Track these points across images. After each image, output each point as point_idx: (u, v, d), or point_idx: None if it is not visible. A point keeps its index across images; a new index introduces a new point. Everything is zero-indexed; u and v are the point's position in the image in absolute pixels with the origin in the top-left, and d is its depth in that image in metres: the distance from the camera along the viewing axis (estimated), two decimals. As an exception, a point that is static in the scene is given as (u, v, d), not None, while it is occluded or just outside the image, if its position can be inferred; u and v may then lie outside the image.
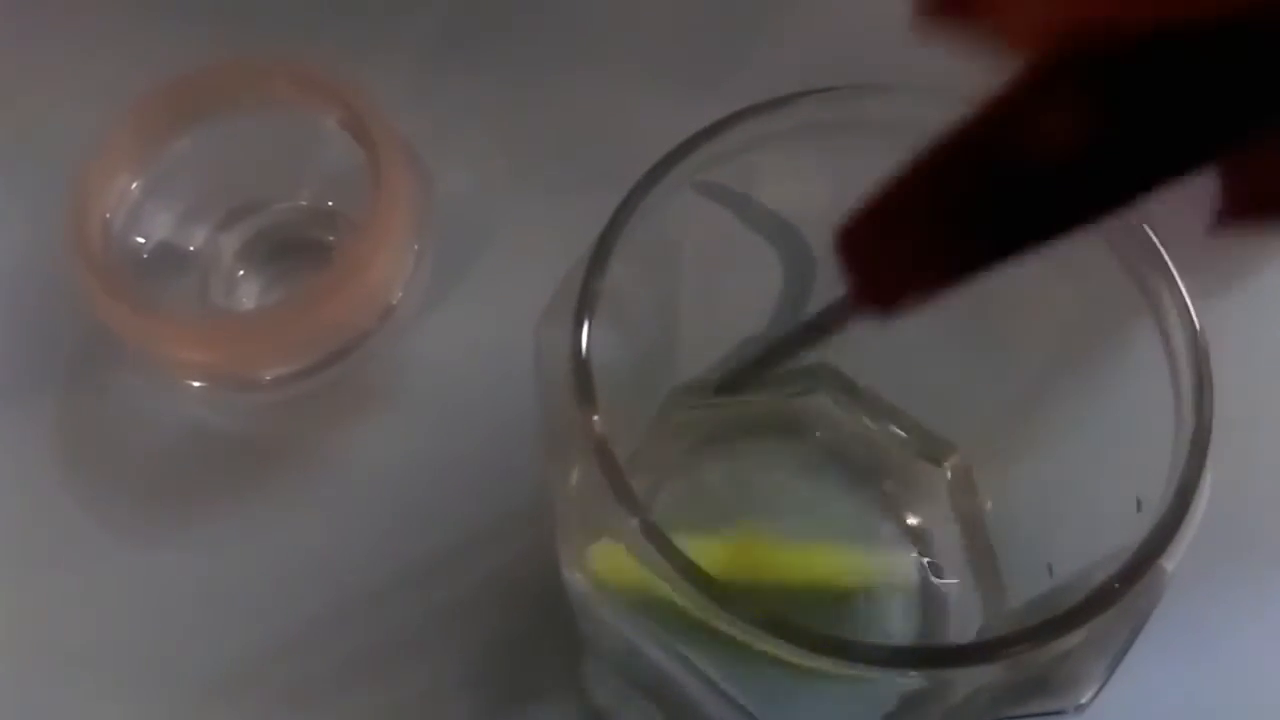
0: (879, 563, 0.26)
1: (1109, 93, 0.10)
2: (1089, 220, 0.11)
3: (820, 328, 0.17)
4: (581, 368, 0.17)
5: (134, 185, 0.29)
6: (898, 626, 0.25)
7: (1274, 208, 0.10)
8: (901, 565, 0.25)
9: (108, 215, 0.28)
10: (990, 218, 0.11)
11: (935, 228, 0.12)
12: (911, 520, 0.26)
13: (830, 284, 0.24)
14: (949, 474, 0.26)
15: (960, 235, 0.12)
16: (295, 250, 0.31)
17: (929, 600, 0.25)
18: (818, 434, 0.27)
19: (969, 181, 0.11)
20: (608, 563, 0.17)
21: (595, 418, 0.17)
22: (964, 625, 0.24)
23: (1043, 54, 0.10)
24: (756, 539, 0.24)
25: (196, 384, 0.29)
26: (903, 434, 0.27)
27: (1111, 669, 0.17)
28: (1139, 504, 0.18)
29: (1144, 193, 0.10)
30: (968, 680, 0.17)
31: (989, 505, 0.25)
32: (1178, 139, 0.10)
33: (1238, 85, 0.10)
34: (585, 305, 0.18)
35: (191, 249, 0.30)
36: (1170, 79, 0.10)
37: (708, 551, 0.17)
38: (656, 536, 0.15)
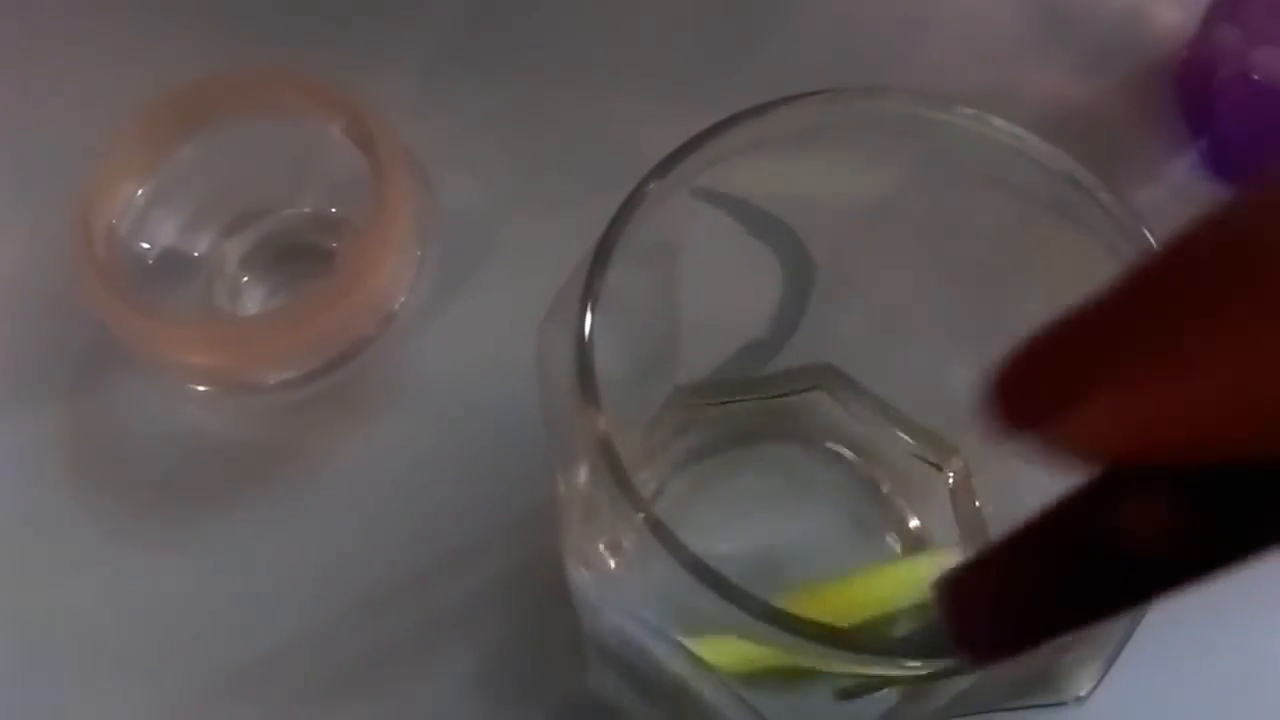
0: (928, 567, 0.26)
1: (1185, 492, 0.10)
2: (1170, 594, 0.12)
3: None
4: (585, 367, 0.17)
5: (139, 192, 0.29)
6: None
7: None
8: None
9: (113, 221, 0.29)
10: (1082, 593, 0.12)
11: (1030, 598, 0.12)
12: (912, 523, 0.27)
13: (826, 287, 0.25)
14: (950, 476, 0.26)
15: (1052, 607, 0.12)
16: (299, 256, 0.32)
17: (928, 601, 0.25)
18: (818, 436, 0.28)
19: (1062, 560, 0.12)
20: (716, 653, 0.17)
21: (599, 416, 0.17)
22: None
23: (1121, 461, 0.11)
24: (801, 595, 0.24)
25: (201, 389, 0.29)
26: (904, 436, 0.27)
27: (1109, 662, 0.17)
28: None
29: (1224, 569, 0.11)
30: (968, 672, 0.17)
31: (990, 507, 0.25)
32: (1250, 534, 0.11)
33: None
34: (588, 304, 0.18)
35: (196, 255, 0.31)
36: (1241, 491, 0.10)
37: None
38: (662, 532, 0.16)
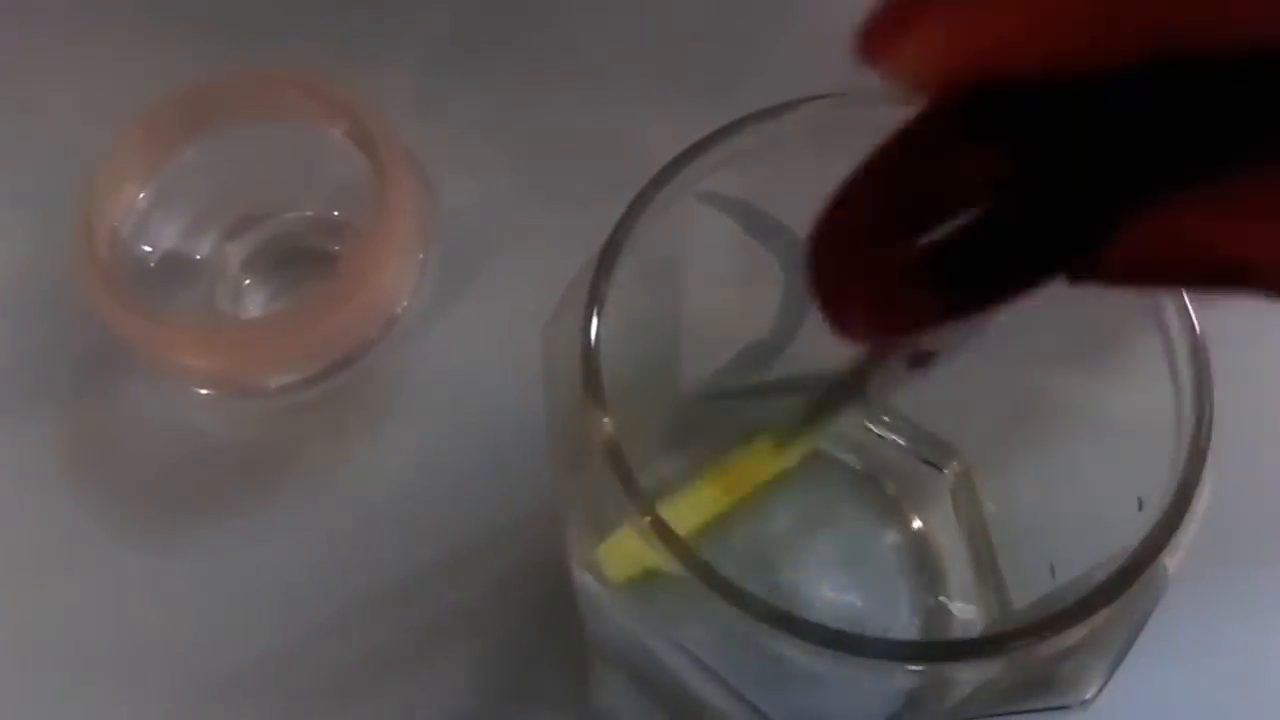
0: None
1: (1011, 135, 0.11)
2: (1022, 283, 0.11)
3: (852, 383, 0.17)
4: (591, 370, 0.17)
5: (142, 195, 0.29)
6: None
7: (1160, 275, 0.11)
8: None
9: (116, 224, 0.29)
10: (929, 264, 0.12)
11: (879, 249, 0.12)
12: (914, 523, 0.27)
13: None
14: (951, 476, 0.26)
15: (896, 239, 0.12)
16: (301, 259, 0.32)
17: (933, 609, 0.26)
18: (820, 438, 0.28)
19: (899, 217, 0.12)
20: (617, 557, 0.17)
21: (605, 418, 0.17)
22: (968, 627, 0.25)
23: (946, 95, 0.11)
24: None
25: (202, 391, 0.29)
26: (904, 438, 0.27)
27: (1114, 667, 0.17)
28: (1140, 503, 0.18)
29: (1064, 250, 0.11)
30: (971, 676, 0.17)
31: (991, 507, 0.25)
32: (1084, 190, 0.11)
33: (1135, 137, 0.10)
34: (594, 308, 0.18)
35: (198, 258, 0.31)
36: (1070, 125, 0.10)
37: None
38: (668, 535, 0.16)
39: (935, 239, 0.12)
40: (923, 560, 0.26)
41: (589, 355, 0.17)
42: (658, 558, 0.16)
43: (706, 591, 0.15)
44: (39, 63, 0.35)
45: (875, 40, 0.11)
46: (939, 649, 0.16)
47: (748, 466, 0.22)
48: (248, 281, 0.31)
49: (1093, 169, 0.10)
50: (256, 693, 0.28)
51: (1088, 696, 0.17)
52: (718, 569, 0.15)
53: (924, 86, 0.11)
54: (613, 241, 0.18)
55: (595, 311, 0.18)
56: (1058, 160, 0.11)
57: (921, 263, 0.11)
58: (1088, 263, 0.11)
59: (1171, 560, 0.17)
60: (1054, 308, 0.21)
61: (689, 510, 0.21)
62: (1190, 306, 0.18)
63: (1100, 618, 0.17)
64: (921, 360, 0.16)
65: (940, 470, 0.27)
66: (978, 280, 0.11)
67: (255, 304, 0.31)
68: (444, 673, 0.27)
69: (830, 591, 0.26)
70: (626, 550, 0.17)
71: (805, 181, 0.22)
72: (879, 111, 0.20)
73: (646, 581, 0.17)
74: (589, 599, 0.19)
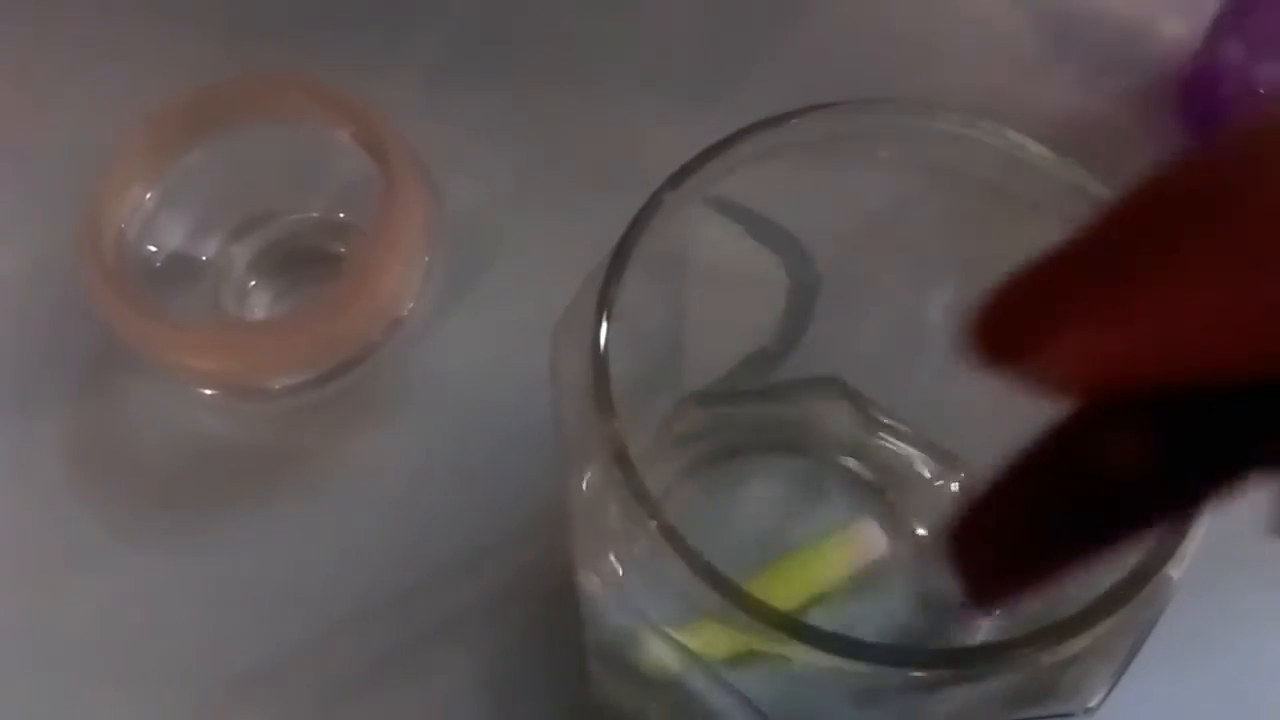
0: (845, 541, 0.26)
1: (1163, 423, 0.11)
2: (1159, 522, 0.12)
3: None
4: (601, 374, 0.17)
5: (148, 196, 0.29)
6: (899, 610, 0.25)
7: None
8: (866, 534, 0.26)
9: (122, 225, 0.29)
10: (1075, 525, 0.12)
11: (1025, 534, 0.12)
12: (919, 531, 0.27)
13: (833, 297, 0.25)
14: (955, 485, 0.26)
15: (1048, 541, 0.12)
16: (306, 261, 0.32)
17: (934, 610, 0.26)
18: (824, 445, 0.28)
19: (1051, 493, 0.12)
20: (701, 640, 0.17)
21: (614, 422, 0.17)
22: (970, 636, 0.25)
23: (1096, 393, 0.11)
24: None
25: (207, 393, 0.29)
26: (909, 446, 0.27)
27: (1118, 675, 0.17)
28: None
29: (1208, 497, 0.11)
30: (974, 683, 0.17)
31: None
32: (1225, 458, 0.11)
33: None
34: (604, 311, 0.18)
35: (204, 259, 0.31)
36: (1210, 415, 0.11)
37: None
38: (675, 539, 0.16)
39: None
40: (925, 569, 0.26)
41: (598, 360, 0.17)
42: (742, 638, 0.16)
43: (712, 594, 0.15)
44: (46, 63, 0.35)
45: (1009, 342, 0.11)
46: (941, 656, 0.16)
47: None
48: (253, 283, 0.31)
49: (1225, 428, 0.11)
50: (259, 694, 0.28)
51: (1092, 704, 0.17)
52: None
53: (1063, 388, 0.11)
54: (623, 246, 0.19)
55: (605, 316, 0.18)
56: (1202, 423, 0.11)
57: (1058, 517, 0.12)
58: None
59: (1176, 570, 0.17)
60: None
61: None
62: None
63: (1104, 626, 0.17)
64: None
65: (945, 479, 0.27)
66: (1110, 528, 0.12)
67: (260, 305, 0.31)
68: (447, 674, 0.27)
69: (832, 599, 0.26)
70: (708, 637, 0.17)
71: (812, 189, 0.22)
72: (885, 119, 0.21)
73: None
74: (592, 601, 0.19)
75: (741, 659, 0.17)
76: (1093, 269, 0.10)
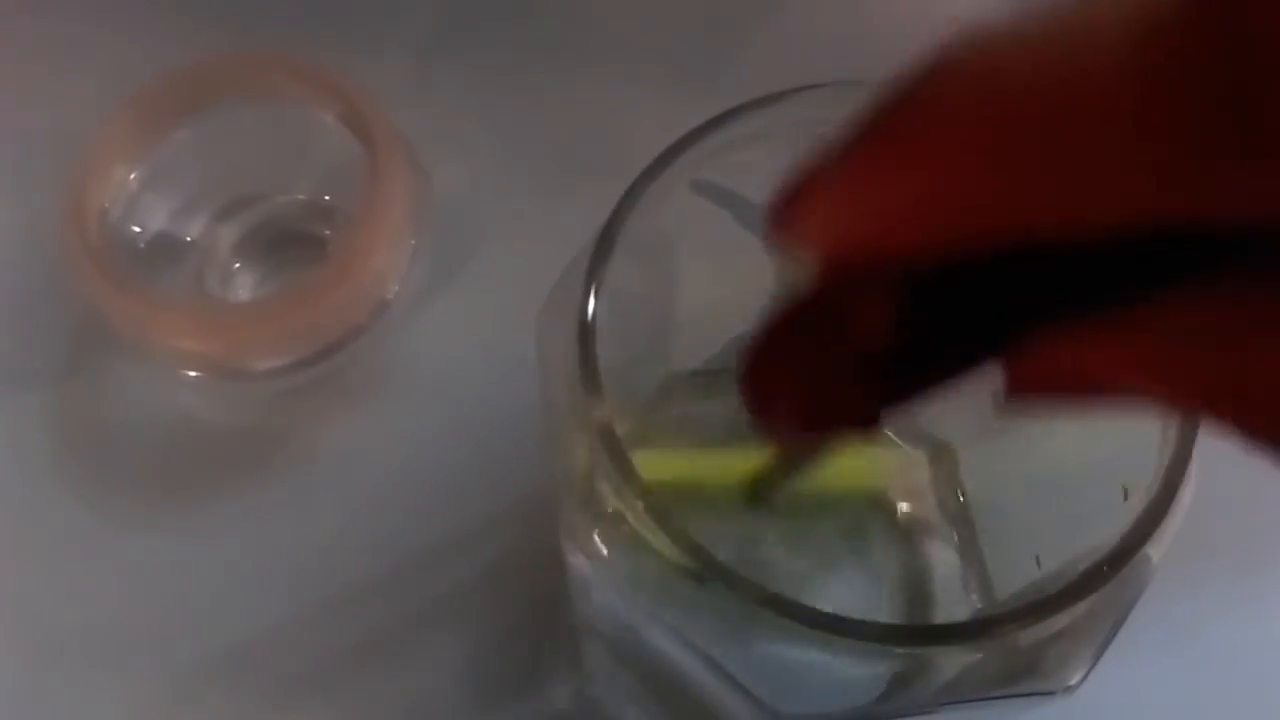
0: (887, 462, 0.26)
1: (909, 295, 0.12)
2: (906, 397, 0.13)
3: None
4: (587, 354, 0.17)
5: (132, 176, 0.29)
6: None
7: (1056, 389, 0.12)
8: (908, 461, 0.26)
9: (106, 205, 0.29)
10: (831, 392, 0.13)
11: (794, 386, 0.13)
12: (901, 508, 0.27)
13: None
14: (936, 465, 0.27)
15: (812, 395, 0.13)
16: (292, 243, 0.32)
17: (916, 589, 0.26)
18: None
19: (809, 355, 0.13)
20: (651, 470, 0.17)
21: (601, 402, 0.17)
22: (951, 614, 0.25)
23: (845, 266, 0.12)
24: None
25: (191, 374, 0.29)
26: (889, 427, 0.27)
27: (1098, 654, 0.18)
28: (1125, 493, 0.18)
29: (962, 370, 0.12)
30: (955, 660, 0.17)
31: (976, 497, 0.26)
32: (976, 332, 0.12)
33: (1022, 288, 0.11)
34: (591, 291, 0.18)
35: (188, 240, 0.31)
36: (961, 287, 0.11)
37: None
38: (662, 517, 0.16)
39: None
40: (907, 549, 0.27)
41: (585, 336, 0.18)
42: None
43: (698, 573, 0.15)
44: (29, 43, 0.35)
45: (782, 216, 0.12)
46: (923, 633, 0.16)
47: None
48: (238, 264, 0.31)
49: (980, 306, 0.12)
50: (243, 676, 0.28)
51: (1072, 683, 0.17)
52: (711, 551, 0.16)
53: (824, 259, 0.12)
54: (610, 226, 0.19)
55: (593, 292, 0.18)
56: (952, 301, 0.12)
57: (848, 365, 0.13)
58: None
59: (1156, 550, 0.17)
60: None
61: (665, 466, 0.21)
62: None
63: (1084, 606, 0.17)
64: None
65: (925, 456, 0.27)
66: (901, 380, 0.13)
67: (245, 287, 0.31)
68: (434, 658, 0.28)
69: (815, 578, 0.26)
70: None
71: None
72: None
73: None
74: (580, 581, 0.19)
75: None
76: (847, 147, 0.11)
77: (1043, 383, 0.12)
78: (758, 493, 0.20)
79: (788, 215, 0.12)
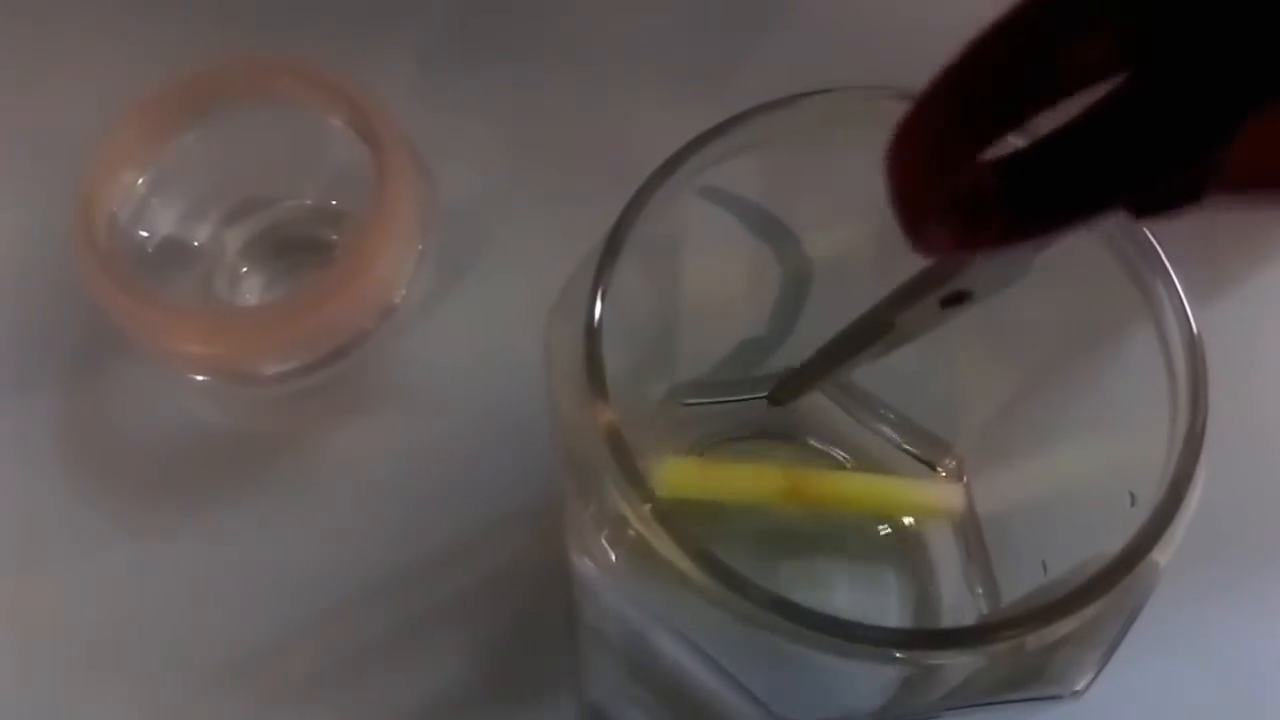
0: (925, 493, 0.26)
1: (1137, 30, 0.10)
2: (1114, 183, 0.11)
3: (884, 318, 0.18)
4: (594, 358, 0.17)
5: (140, 180, 0.29)
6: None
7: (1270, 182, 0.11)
8: (948, 495, 0.26)
9: (114, 210, 0.29)
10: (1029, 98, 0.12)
11: (964, 130, 0.12)
12: (907, 519, 0.27)
13: (824, 287, 0.25)
14: (943, 473, 0.27)
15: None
16: (299, 248, 0.32)
17: (923, 594, 0.26)
18: (813, 434, 0.28)
19: (999, 88, 0.12)
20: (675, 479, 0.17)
21: (607, 406, 0.17)
22: (958, 620, 0.25)
23: None
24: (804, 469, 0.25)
25: (199, 378, 0.29)
26: (897, 434, 0.27)
27: (1105, 659, 0.17)
28: (1132, 498, 0.18)
29: (1171, 152, 0.11)
30: (961, 665, 0.17)
31: (983, 503, 0.26)
32: (1201, 97, 0.10)
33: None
34: (598, 296, 0.18)
35: (196, 244, 0.31)
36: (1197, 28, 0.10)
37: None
38: (669, 522, 0.16)
39: (1010, 156, 0.11)
40: (914, 555, 0.27)
41: (591, 344, 0.18)
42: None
43: (705, 577, 0.15)
44: (37, 47, 0.35)
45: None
46: (929, 638, 0.16)
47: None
48: (245, 268, 0.31)
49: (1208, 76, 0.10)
50: (249, 680, 0.28)
51: (1079, 688, 0.17)
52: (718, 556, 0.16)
53: None
54: (618, 231, 0.19)
55: (600, 295, 0.18)
56: (1177, 56, 0.10)
57: (998, 184, 0.11)
58: (1158, 190, 0.11)
59: (1163, 555, 0.17)
60: (1050, 303, 0.21)
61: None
62: (1187, 304, 0.18)
63: (1091, 611, 0.17)
64: (956, 299, 0.16)
65: (933, 467, 0.27)
66: (1051, 200, 0.11)
67: (252, 291, 0.31)
68: (438, 663, 0.28)
69: (823, 583, 0.26)
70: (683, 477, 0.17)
71: (803, 176, 0.22)
72: (877, 107, 0.21)
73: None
74: (587, 585, 0.19)
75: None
76: None
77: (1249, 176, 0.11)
78: (782, 396, 0.19)
79: None
